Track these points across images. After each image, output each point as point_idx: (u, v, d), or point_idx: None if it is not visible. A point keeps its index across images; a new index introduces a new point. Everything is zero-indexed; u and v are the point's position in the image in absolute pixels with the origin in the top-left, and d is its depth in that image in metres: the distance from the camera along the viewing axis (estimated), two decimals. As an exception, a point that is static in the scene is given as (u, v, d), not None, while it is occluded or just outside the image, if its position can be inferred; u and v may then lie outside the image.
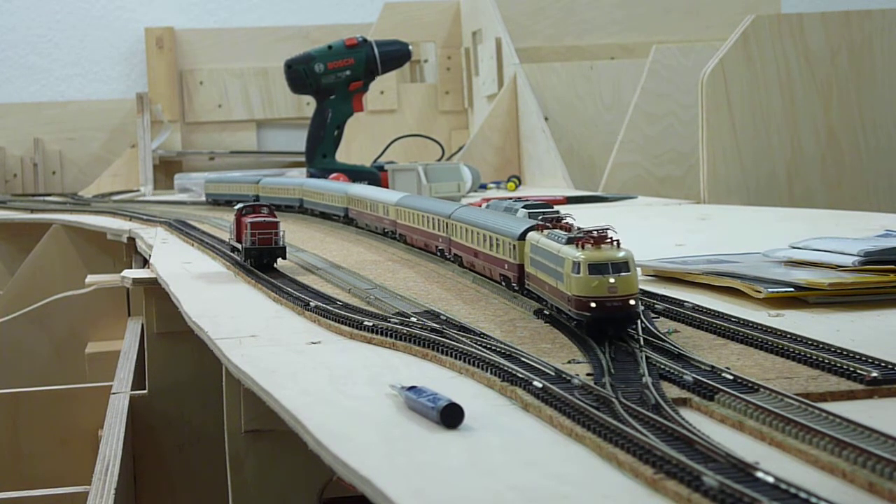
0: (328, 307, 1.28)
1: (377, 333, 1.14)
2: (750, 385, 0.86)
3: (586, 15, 4.41)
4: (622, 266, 1.00)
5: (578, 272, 1.00)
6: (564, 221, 1.18)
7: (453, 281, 1.51)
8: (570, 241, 1.06)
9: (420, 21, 4.68)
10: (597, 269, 1.00)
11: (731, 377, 0.89)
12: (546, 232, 1.16)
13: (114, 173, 4.70)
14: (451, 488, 0.69)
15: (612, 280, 0.99)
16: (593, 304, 0.99)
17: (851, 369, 0.91)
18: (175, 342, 1.99)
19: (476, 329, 1.12)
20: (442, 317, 1.19)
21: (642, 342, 1.00)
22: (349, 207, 2.23)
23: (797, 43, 2.91)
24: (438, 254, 1.66)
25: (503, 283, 1.32)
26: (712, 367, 0.92)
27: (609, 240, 1.02)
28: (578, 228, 1.10)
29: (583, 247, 1.02)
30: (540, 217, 1.25)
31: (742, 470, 0.66)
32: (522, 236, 1.23)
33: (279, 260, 1.63)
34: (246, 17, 5.11)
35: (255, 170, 4.40)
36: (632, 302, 0.99)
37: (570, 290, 1.02)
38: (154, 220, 2.67)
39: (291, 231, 2.22)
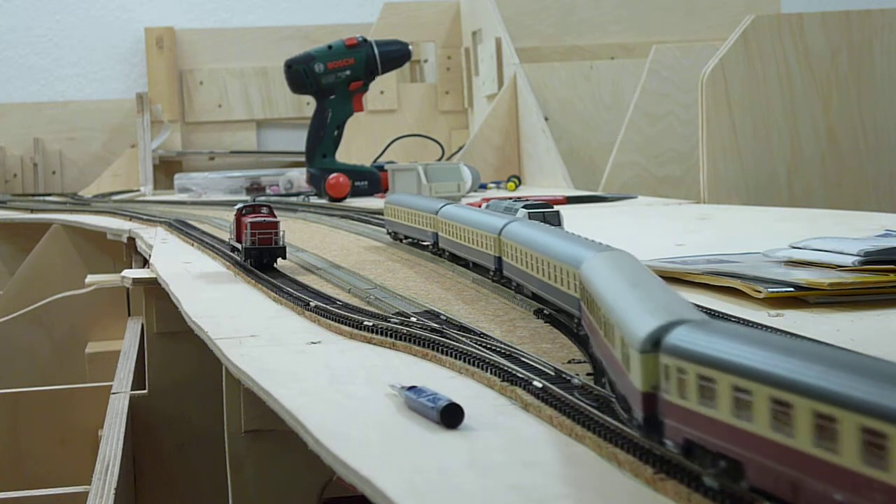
0: (328, 307, 1.28)
1: (377, 333, 1.14)
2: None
3: (586, 15, 4.41)
4: None
5: None
6: None
7: (453, 281, 1.51)
8: None
9: (420, 21, 4.68)
10: None
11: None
12: None
13: (114, 173, 4.70)
14: (451, 488, 0.69)
15: None
16: None
17: (851, 369, 0.90)
18: (175, 342, 1.99)
19: (476, 329, 1.12)
20: (442, 317, 1.19)
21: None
22: (581, 299, 1.04)
23: (797, 43, 2.91)
24: None
25: None
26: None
27: None
28: None
29: None
30: None
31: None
32: None
33: (279, 260, 1.63)
34: (246, 17, 5.11)
35: (255, 170, 4.40)
36: None
37: None
38: (154, 220, 2.67)
39: (295, 232, 2.22)
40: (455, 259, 1.60)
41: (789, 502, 0.55)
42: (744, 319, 1.12)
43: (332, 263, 1.71)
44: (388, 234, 1.97)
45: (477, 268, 1.49)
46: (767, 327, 1.08)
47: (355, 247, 1.99)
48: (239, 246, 1.66)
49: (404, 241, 1.89)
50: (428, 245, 1.73)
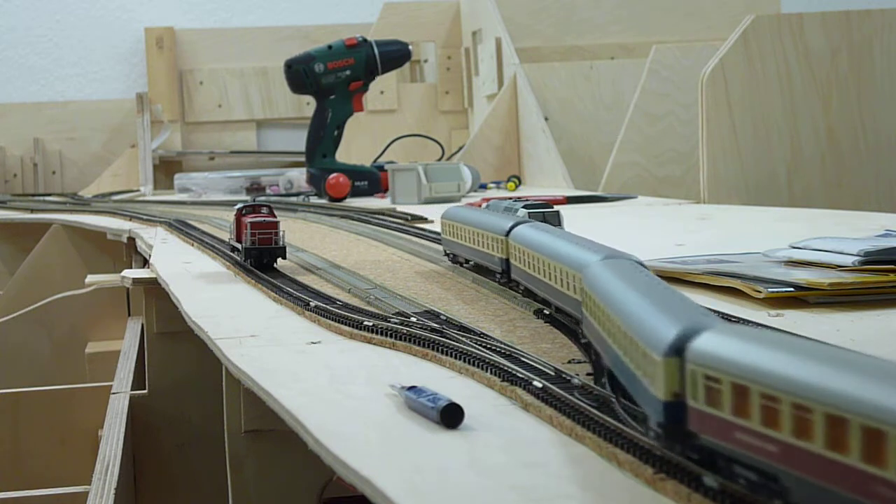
0: (328, 307, 1.28)
1: (377, 333, 1.14)
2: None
3: (586, 15, 4.41)
4: None
5: None
6: None
7: (453, 281, 1.51)
8: None
9: (420, 21, 4.68)
10: None
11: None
12: None
13: (114, 173, 4.70)
14: (451, 488, 0.69)
15: None
16: None
17: (851, 369, 0.90)
18: (175, 342, 1.99)
19: (476, 329, 1.12)
20: (442, 317, 1.19)
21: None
22: None
23: (797, 43, 2.91)
24: None
25: None
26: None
27: None
28: None
29: None
30: None
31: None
32: None
33: (279, 260, 1.63)
34: (246, 17, 5.11)
35: (255, 170, 4.40)
36: None
37: None
38: (154, 220, 2.67)
39: (295, 232, 2.22)
40: (531, 295, 1.24)
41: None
42: (743, 319, 1.12)
43: (332, 263, 1.71)
44: (446, 255, 1.62)
45: (560, 313, 1.11)
46: (766, 327, 1.08)
47: (355, 247, 1.99)
48: (239, 246, 1.66)
49: (465, 265, 1.54)
50: (496, 274, 1.37)
